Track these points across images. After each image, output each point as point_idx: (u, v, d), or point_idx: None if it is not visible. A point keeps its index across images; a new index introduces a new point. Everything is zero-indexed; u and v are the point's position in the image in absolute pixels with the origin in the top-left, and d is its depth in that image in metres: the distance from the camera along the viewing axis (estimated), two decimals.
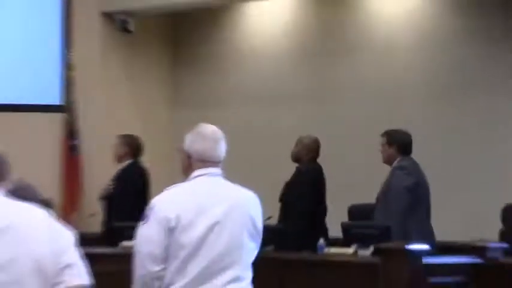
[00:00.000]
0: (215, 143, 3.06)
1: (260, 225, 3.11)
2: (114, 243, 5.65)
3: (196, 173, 2.97)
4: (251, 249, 3.06)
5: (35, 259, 1.95)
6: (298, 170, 6.14)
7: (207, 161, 2.98)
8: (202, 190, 2.97)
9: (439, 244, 5.66)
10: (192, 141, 3.06)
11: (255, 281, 3.11)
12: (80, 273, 2.07)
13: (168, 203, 2.90)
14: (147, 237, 2.90)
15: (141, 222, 2.98)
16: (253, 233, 3.07)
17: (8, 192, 2.18)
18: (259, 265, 3.16)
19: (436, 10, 7.19)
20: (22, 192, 2.55)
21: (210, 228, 2.92)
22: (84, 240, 2.76)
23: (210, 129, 3.15)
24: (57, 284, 2.02)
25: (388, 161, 5.69)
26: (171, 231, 2.83)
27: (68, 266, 2.04)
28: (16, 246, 1.96)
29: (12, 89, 7.21)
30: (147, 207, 3.02)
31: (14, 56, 7.30)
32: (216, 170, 3.02)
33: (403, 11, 7.24)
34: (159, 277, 2.87)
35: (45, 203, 2.73)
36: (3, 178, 2.17)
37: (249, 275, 3.07)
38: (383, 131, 5.75)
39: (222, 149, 3.07)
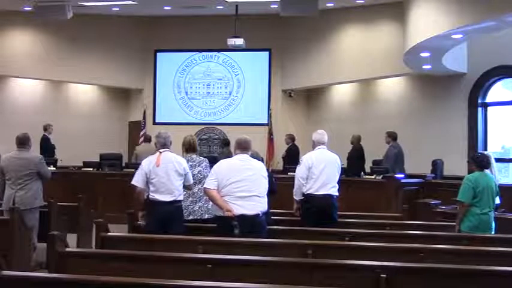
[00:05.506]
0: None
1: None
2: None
3: (317, 147, 5.89)
4: None
5: (258, 177, 5.07)
6: (354, 146, 10.56)
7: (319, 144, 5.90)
8: (322, 153, 5.88)
9: (408, 174, 9.55)
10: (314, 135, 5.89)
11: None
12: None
13: (309, 157, 5.88)
14: (300, 170, 5.91)
15: (298, 165, 5.89)
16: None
17: (250, 156, 5.21)
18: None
19: (409, 88, 12.56)
20: (255, 155, 5.51)
21: (323, 168, 5.76)
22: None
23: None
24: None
25: (387, 142, 9.82)
26: (308, 169, 5.82)
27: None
28: (254, 173, 5.08)
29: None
30: (300, 159, 5.97)
31: None
32: (324, 146, 5.90)
33: (394, 90, 12.85)
34: (304, 185, 5.85)
35: (261, 159, 5.92)
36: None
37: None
38: (386, 131, 10.07)
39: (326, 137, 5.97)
